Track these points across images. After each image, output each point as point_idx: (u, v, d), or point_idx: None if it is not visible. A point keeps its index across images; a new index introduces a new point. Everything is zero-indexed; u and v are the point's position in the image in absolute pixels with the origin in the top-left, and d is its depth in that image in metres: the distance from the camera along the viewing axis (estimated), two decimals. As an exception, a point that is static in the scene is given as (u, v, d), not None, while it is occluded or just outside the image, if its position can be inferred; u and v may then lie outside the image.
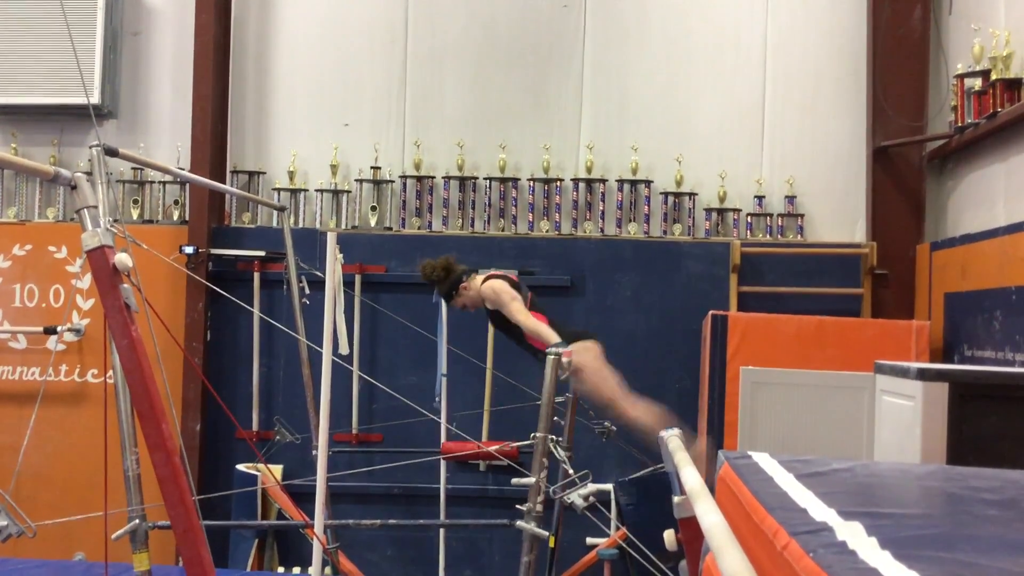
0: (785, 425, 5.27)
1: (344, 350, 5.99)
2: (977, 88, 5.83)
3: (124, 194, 7.40)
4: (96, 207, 3.10)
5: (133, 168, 7.28)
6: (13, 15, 7.15)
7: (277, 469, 6.89)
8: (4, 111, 7.37)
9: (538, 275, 6.99)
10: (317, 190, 7.34)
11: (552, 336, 5.23)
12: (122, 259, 3.04)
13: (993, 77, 5.61)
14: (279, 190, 7.32)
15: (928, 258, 6.49)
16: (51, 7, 6.81)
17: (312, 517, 4.20)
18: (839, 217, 7.05)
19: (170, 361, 6.06)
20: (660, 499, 4.03)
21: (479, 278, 5.73)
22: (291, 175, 7.33)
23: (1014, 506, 2.31)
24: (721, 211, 7.09)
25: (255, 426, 7.08)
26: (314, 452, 5.52)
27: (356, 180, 7.33)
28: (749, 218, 7.08)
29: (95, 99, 7.07)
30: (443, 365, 6.73)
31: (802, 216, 7.04)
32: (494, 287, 5.59)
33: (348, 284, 6.90)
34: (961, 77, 6.04)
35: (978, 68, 5.83)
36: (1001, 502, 2.34)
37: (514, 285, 5.67)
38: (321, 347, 4.09)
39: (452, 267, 5.74)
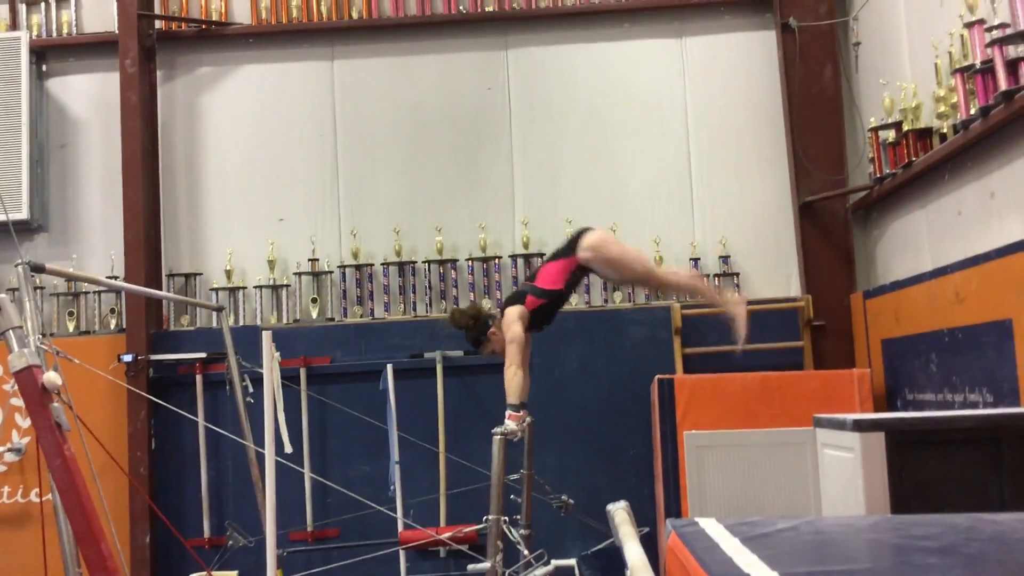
0: (733, 487, 5.29)
1: (286, 448, 5.91)
2: (891, 139, 6.04)
3: (59, 307, 7.30)
4: (21, 327, 3.07)
5: (67, 280, 7.20)
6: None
7: (232, 575, 6.70)
8: (-69, 232, 7.27)
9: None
10: (256, 287, 7.31)
11: (514, 397, 4.92)
12: (51, 378, 3.01)
13: (905, 128, 5.82)
14: (217, 290, 7.27)
15: (862, 306, 6.63)
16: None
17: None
18: (773, 273, 7.19)
19: (116, 471, 5.93)
20: (623, 571, 4.00)
21: (503, 316, 5.33)
22: (228, 274, 7.29)
23: (953, 552, 2.34)
24: (658, 276, 7.18)
25: (207, 532, 6.91)
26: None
27: (295, 273, 7.32)
28: (687, 280, 7.17)
29: (23, 214, 7.02)
30: (395, 452, 6.67)
31: (737, 275, 7.17)
32: (507, 317, 5.24)
33: (293, 378, 6.85)
34: (875, 130, 6.27)
35: (890, 120, 6.05)
36: (941, 549, 2.37)
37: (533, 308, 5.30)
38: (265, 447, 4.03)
39: (480, 314, 5.47)
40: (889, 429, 3.39)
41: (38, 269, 4.13)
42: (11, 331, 3.02)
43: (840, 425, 3.60)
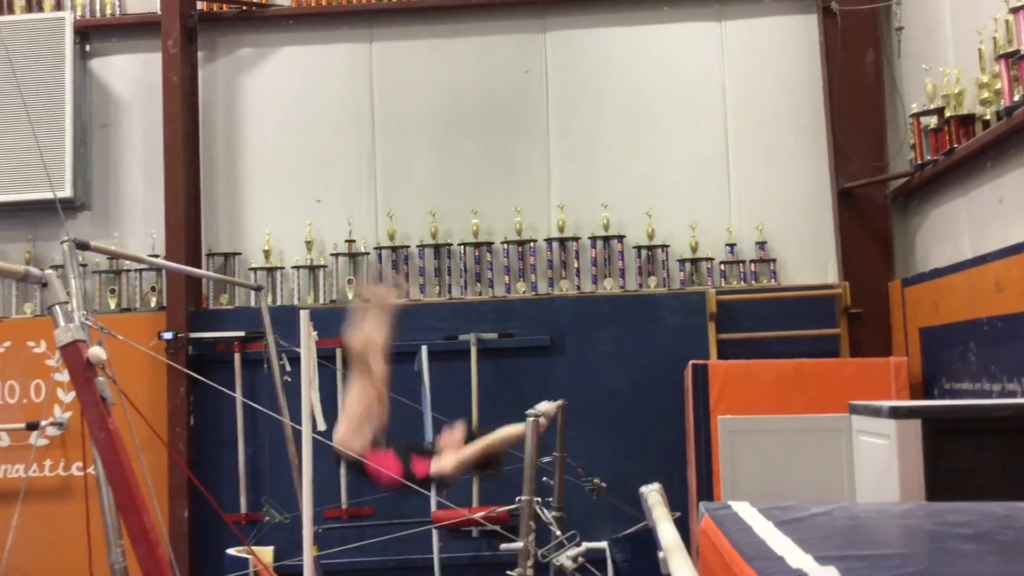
0: (766, 472, 5.28)
1: (320, 426, 5.99)
2: (933, 126, 5.97)
3: (101, 284, 7.42)
4: (67, 302, 3.13)
5: (109, 258, 7.31)
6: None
7: (268, 551, 6.81)
8: (-23, 210, 7.42)
9: (517, 336, 7.03)
10: (293, 267, 7.38)
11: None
12: (96, 353, 3.06)
13: (947, 114, 5.75)
14: (255, 269, 7.36)
15: (900, 294, 6.57)
16: (20, 105, 6.89)
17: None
18: (810, 259, 7.15)
19: (155, 448, 6.05)
20: (654, 554, 4.02)
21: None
22: (267, 254, 7.37)
23: (989, 539, 2.33)
24: (694, 261, 7.17)
25: (243, 508, 7.01)
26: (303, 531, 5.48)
27: (331, 254, 7.38)
28: (722, 266, 7.16)
29: (67, 192, 7.12)
30: (429, 433, 6.71)
31: (774, 261, 7.13)
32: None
33: (329, 358, 6.91)
34: (917, 116, 6.19)
35: (932, 106, 5.97)
36: (976, 536, 2.37)
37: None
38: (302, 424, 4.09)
39: None
40: (926, 416, 3.37)
41: (83, 246, 4.21)
42: (57, 306, 3.08)
43: (876, 412, 3.59)
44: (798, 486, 5.11)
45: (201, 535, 7.01)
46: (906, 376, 5.94)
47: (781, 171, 7.22)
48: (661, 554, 2.81)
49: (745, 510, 2.74)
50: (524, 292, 7.23)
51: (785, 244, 7.18)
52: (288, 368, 6.52)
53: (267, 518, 6.58)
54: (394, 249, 7.32)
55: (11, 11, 7.55)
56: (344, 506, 6.99)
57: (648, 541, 6.09)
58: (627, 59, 7.40)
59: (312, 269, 7.37)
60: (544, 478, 5.54)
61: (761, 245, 7.14)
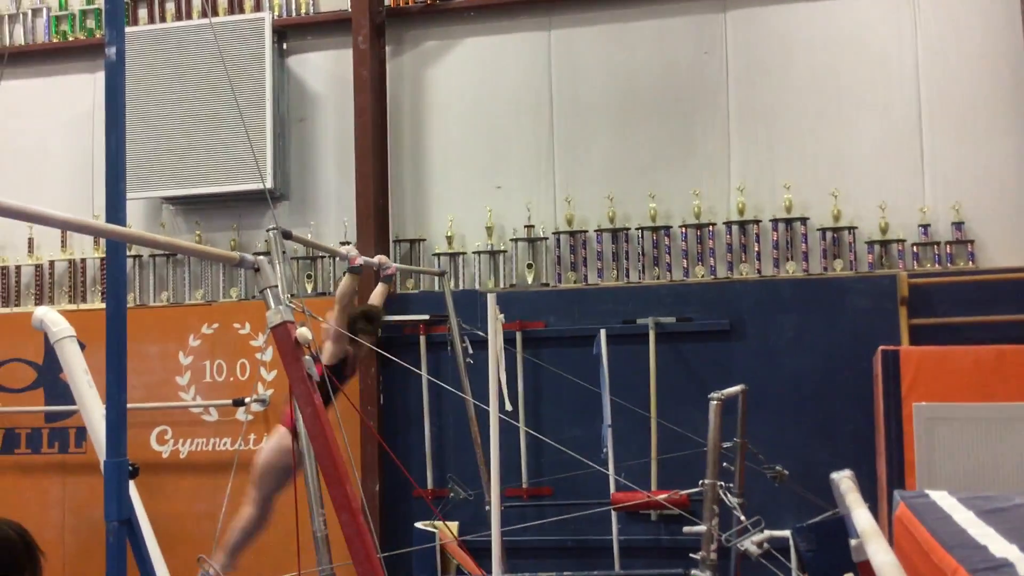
0: (965, 461, 5.05)
1: (507, 407, 6.16)
2: None
3: (299, 269, 7.87)
4: (276, 286, 3.37)
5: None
6: (191, 115, 7.76)
7: (453, 526, 7.06)
8: (189, 201, 8.02)
9: (696, 320, 6.98)
10: (475, 252, 7.60)
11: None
12: (303, 333, 3.28)
13: None
14: (439, 255, 7.62)
15: (1116, 277, 6.11)
16: (225, 104, 7.39)
17: (490, 572, 4.31)
18: (1013, 240, 6.74)
19: (346, 425, 6.38)
20: (841, 545, 3.93)
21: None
22: (449, 240, 7.62)
23: None
24: (884, 243, 6.90)
25: (429, 484, 7.30)
26: (487, 508, 5.66)
27: (511, 239, 7.54)
28: (915, 248, 6.86)
29: (268, 184, 7.58)
30: (608, 416, 6.78)
31: (972, 242, 6.77)
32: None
33: (509, 341, 7.08)
34: None
35: None
36: None
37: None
38: (487, 404, 4.24)
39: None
40: None
41: (287, 235, 4.51)
42: (268, 290, 3.30)
43: (1088, 401, 3.38)
44: (999, 476, 4.86)
45: (392, 509, 7.35)
46: (1121, 365, 5.54)
47: (979, 147, 6.84)
48: (854, 542, 2.75)
49: (943, 499, 2.66)
50: (703, 276, 7.17)
51: (984, 224, 6.80)
52: (471, 351, 6.72)
53: (452, 495, 6.82)
54: (572, 234, 7.41)
55: (215, 13, 8.09)
56: (524, 485, 7.16)
57: (834, 532, 5.92)
58: (811, 36, 7.18)
59: (492, 254, 7.56)
60: (724, 464, 5.50)
61: (958, 225, 6.79)
